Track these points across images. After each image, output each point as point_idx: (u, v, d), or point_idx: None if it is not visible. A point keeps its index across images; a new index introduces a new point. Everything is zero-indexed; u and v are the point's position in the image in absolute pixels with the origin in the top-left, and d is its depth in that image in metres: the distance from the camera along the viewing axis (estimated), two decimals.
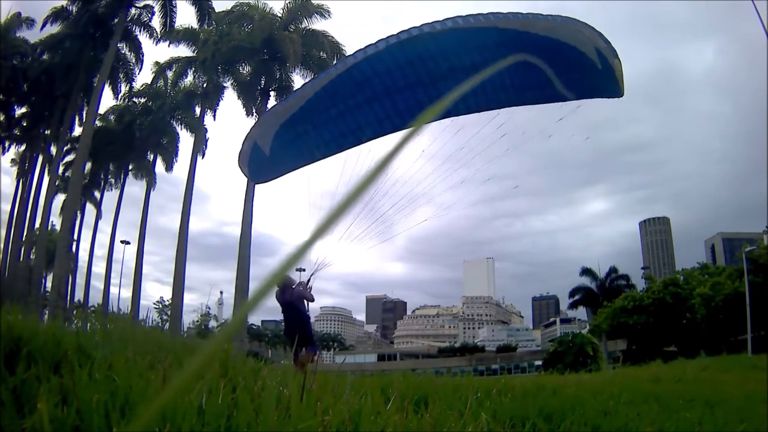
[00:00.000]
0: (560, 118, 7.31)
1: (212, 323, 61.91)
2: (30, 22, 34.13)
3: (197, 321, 60.25)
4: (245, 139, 9.16)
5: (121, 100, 36.75)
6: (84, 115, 34.05)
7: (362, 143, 8.45)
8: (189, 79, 34.49)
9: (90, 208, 44.15)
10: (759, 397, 6.07)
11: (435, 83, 7.59)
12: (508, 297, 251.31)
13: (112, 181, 42.09)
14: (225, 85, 33.23)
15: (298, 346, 8.28)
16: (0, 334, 2.74)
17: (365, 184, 0.42)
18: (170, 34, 31.06)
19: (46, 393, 1.98)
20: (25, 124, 36.94)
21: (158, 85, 36.71)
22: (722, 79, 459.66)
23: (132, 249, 42.35)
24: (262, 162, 9.13)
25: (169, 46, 32.30)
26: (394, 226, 8.38)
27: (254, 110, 31.09)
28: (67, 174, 36.99)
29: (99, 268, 51.88)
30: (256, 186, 30.46)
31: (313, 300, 9.17)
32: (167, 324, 31.15)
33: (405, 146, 0.44)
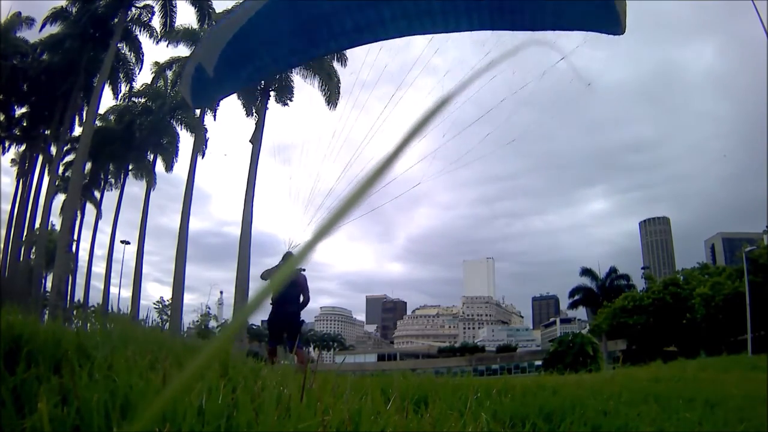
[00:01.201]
0: (561, 58, 6.88)
1: (212, 323, 61.84)
2: (30, 22, 34.15)
3: (197, 321, 60.17)
4: (188, 61, 8.58)
5: (121, 100, 36.79)
6: (84, 115, 34.10)
7: (310, 60, 7.90)
8: None
9: (90, 208, 44.22)
10: (759, 397, 6.06)
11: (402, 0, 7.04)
12: (508, 297, 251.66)
13: (112, 181, 42.12)
14: None
15: (284, 341, 8.12)
16: (0, 334, 2.74)
17: (367, 185, 0.42)
18: (170, 34, 31.04)
19: (46, 393, 1.97)
20: (25, 124, 36.93)
21: (158, 85, 36.71)
22: (722, 79, 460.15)
23: (132, 249, 42.42)
24: (205, 84, 8.44)
25: (168, 46, 32.32)
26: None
27: (254, 110, 31.09)
28: (67, 174, 36.99)
29: (99, 268, 51.94)
30: (256, 183, 30.53)
31: (308, 300, 9.05)
32: (167, 324, 31.16)
33: (407, 147, 0.44)
